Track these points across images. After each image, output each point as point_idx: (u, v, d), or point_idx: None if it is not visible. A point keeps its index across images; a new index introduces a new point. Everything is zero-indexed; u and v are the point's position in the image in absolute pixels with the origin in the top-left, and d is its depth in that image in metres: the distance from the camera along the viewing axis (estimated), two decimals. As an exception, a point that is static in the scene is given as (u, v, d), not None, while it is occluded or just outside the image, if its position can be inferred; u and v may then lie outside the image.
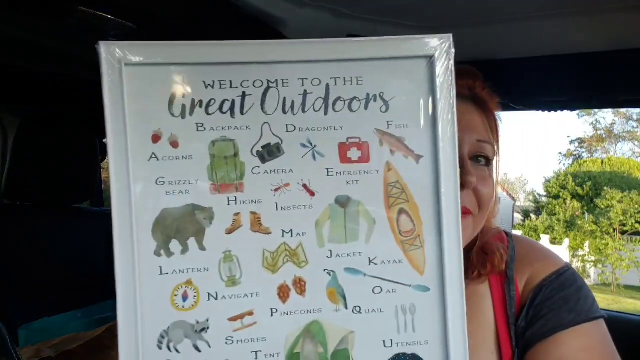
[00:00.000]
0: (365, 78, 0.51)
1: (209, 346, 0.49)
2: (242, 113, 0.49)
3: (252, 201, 0.50)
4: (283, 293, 0.50)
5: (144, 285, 0.48)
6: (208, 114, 0.49)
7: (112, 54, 0.47)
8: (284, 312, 0.50)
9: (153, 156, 0.48)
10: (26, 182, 1.68)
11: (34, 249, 1.67)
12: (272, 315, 0.50)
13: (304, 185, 0.50)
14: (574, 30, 0.93)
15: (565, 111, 1.25)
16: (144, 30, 0.88)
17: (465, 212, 0.75)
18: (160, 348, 0.48)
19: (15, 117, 1.88)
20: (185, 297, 0.49)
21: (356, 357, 0.50)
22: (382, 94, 0.51)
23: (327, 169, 0.51)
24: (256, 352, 0.49)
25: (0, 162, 1.89)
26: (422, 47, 0.51)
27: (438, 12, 0.95)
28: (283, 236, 0.50)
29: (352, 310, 0.50)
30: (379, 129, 0.51)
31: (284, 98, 0.50)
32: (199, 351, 0.49)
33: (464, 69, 0.82)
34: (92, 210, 2.00)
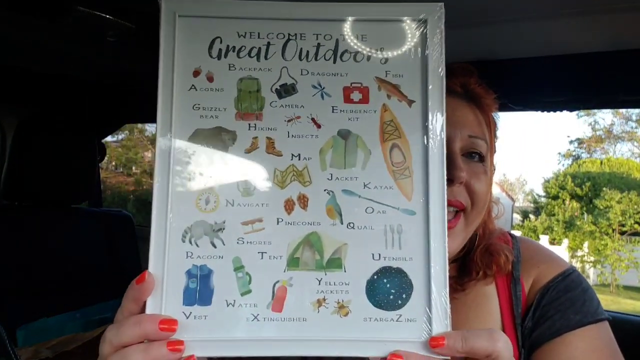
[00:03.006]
0: (369, 35, 0.67)
1: (223, 244, 0.63)
2: (265, 58, 0.66)
3: (268, 128, 0.65)
4: (288, 206, 0.64)
5: (174, 186, 0.64)
6: (239, 57, 0.66)
7: (169, 7, 0.66)
8: (288, 222, 0.64)
9: (192, 87, 0.66)
10: (25, 182, 1.78)
11: (33, 250, 1.77)
12: (277, 223, 0.64)
13: (312, 119, 0.66)
14: (574, 30, 1.03)
15: (565, 111, 1.34)
16: (142, 30, 0.99)
17: (459, 206, 0.86)
18: (183, 241, 0.63)
19: (13, 117, 2.00)
20: (207, 201, 0.64)
21: (348, 265, 0.63)
22: (382, 49, 0.67)
23: (333, 107, 0.66)
24: (262, 253, 0.63)
25: (-1, 162, 1.98)
26: (418, 11, 0.67)
27: None
28: (292, 159, 0.65)
29: (347, 226, 0.64)
30: (378, 77, 0.67)
31: (301, 48, 0.67)
32: (215, 247, 0.63)
33: (457, 66, 0.94)
34: (91, 210, 2.14)
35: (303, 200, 0.65)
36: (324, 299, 0.63)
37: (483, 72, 0.94)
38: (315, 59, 0.67)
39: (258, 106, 0.66)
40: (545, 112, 1.35)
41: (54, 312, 1.58)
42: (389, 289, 0.63)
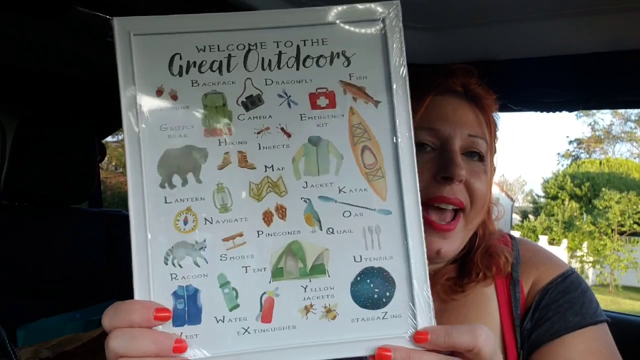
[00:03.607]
0: (329, 39, 0.68)
1: (206, 262, 0.64)
2: (228, 71, 0.66)
3: (239, 142, 0.66)
4: (267, 218, 0.65)
5: (151, 212, 0.64)
6: (200, 72, 0.66)
7: (123, 27, 0.65)
8: (269, 234, 0.65)
9: (157, 107, 0.65)
10: (25, 182, 1.81)
11: (33, 250, 1.79)
12: (258, 236, 0.65)
13: (282, 129, 0.66)
14: (573, 31, 1.03)
15: (564, 112, 1.36)
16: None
17: (458, 204, 0.88)
18: (166, 264, 0.64)
19: (13, 117, 2.02)
20: (186, 222, 0.64)
21: (331, 270, 0.65)
22: (344, 52, 0.68)
23: (301, 115, 0.67)
24: (246, 267, 0.64)
25: (-1, 162, 1.99)
26: (375, 12, 0.68)
27: (438, 13, 1.06)
28: (266, 171, 0.66)
29: (326, 231, 0.66)
30: (342, 80, 0.68)
31: (262, 58, 0.67)
32: (198, 266, 0.64)
33: (458, 67, 0.96)
34: (91, 210, 2.16)
35: (281, 211, 0.66)
36: (311, 305, 0.65)
37: (483, 72, 0.94)
38: (278, 68, 0.67)
39: (226, 121, 0.66)
40: (545, 113, 1.36)
41: (54, 312, 1.59)
42: (372, 288, 0.65)
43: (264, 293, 0.65)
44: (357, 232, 0.66)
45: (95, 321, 1.56)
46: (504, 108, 1.34)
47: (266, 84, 0.67)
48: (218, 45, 0.67)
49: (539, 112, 1.40)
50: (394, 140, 0.67)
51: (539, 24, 1.02)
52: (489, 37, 1.11)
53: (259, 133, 0.66)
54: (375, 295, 0.65)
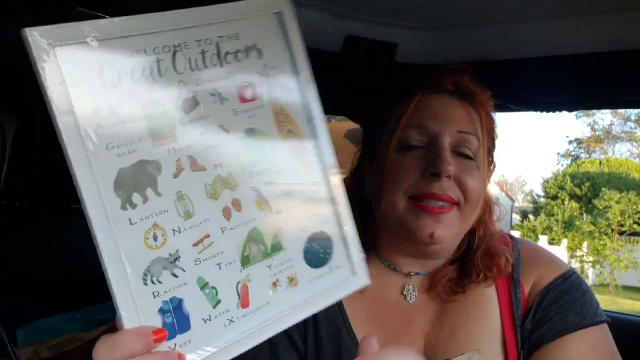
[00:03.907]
0: (240, 34, 0.71)
1: (183, 270, 0.65)
2: (160, 76, 0.64)
3: (187, 147, 0.66)
4: (226, 213, 0.69)
5: (120, 237, 0.61)
6: (134, 80, 0.62)
7: (39, 39, 0.56)
8: (231, 228, 0.69)
9: (98, 126, 0.60)
10: (24, 182, 1.83)
11: (32, 250, 1.78)
12: (223, 232, 0.68)
13: (220, 126, 0.69)
14: (573, 31, 1.03)
15: (564, 112, 1.35)
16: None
17: (448, 200, 0.90)
18: (145, 284, 0.62)
19: (13, 117, 1.99)
20: (155, 238, 0.63)
21: (286, 245, 0.74)
22: (255, 45, 0.72)
23: (233, 110, 0.70)
24: (219, 264, 0.68)
25: (-2, 162, 1.84)
26: (272, 5, 0.73)
27: (437, 13, 1.04)
28: (216, 170, 0.68)
29: (276, 212, 0.73)
30: (259, 72, 0.72)
31: (189, 58, 0.67)
32: (177, 277, 0.65)
33: (451, 66, 0.97)
34: None
35: (236, 204, 0.70)
36: (278, 280, 0.72)
37: (483, 72, 0.95)
38: (205, 66, 0.68)
39: (170, 128, 0.65)
40: (545, 113, 1.34)
41: (54, 312, 1.61)
42: (318, 250, 0.76)
43: (239, 282, 0.69)
44: (299, 206, 0.75)
45: (95, 321, 1.57)
46: (504, 108, 1.34)
47: (197, 85, 0.67)
48: (145, 50, 0.63)
49: (539, 112, 1.38)
50: (308, 120, 0.76)
51: (539, 24, 1.02)
52: (489, 37, 1.11)
53: (201, 135, 0.67)
54: (321, 255, 0.77)
